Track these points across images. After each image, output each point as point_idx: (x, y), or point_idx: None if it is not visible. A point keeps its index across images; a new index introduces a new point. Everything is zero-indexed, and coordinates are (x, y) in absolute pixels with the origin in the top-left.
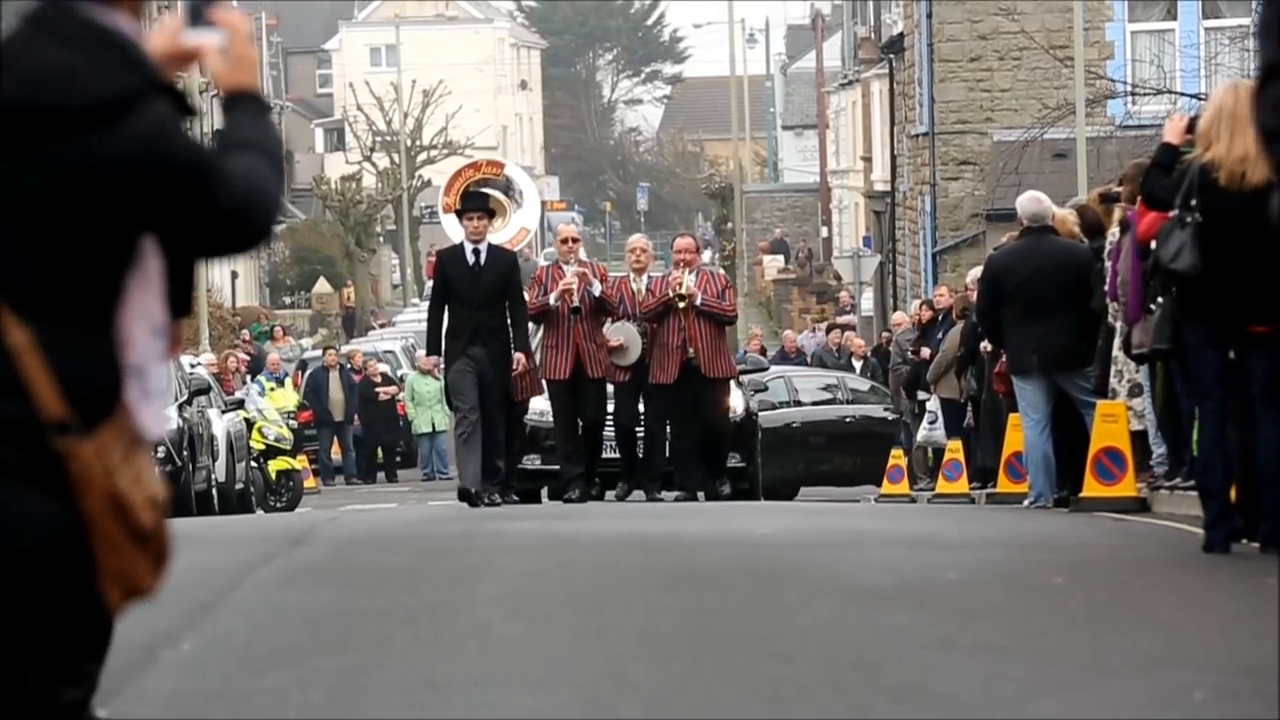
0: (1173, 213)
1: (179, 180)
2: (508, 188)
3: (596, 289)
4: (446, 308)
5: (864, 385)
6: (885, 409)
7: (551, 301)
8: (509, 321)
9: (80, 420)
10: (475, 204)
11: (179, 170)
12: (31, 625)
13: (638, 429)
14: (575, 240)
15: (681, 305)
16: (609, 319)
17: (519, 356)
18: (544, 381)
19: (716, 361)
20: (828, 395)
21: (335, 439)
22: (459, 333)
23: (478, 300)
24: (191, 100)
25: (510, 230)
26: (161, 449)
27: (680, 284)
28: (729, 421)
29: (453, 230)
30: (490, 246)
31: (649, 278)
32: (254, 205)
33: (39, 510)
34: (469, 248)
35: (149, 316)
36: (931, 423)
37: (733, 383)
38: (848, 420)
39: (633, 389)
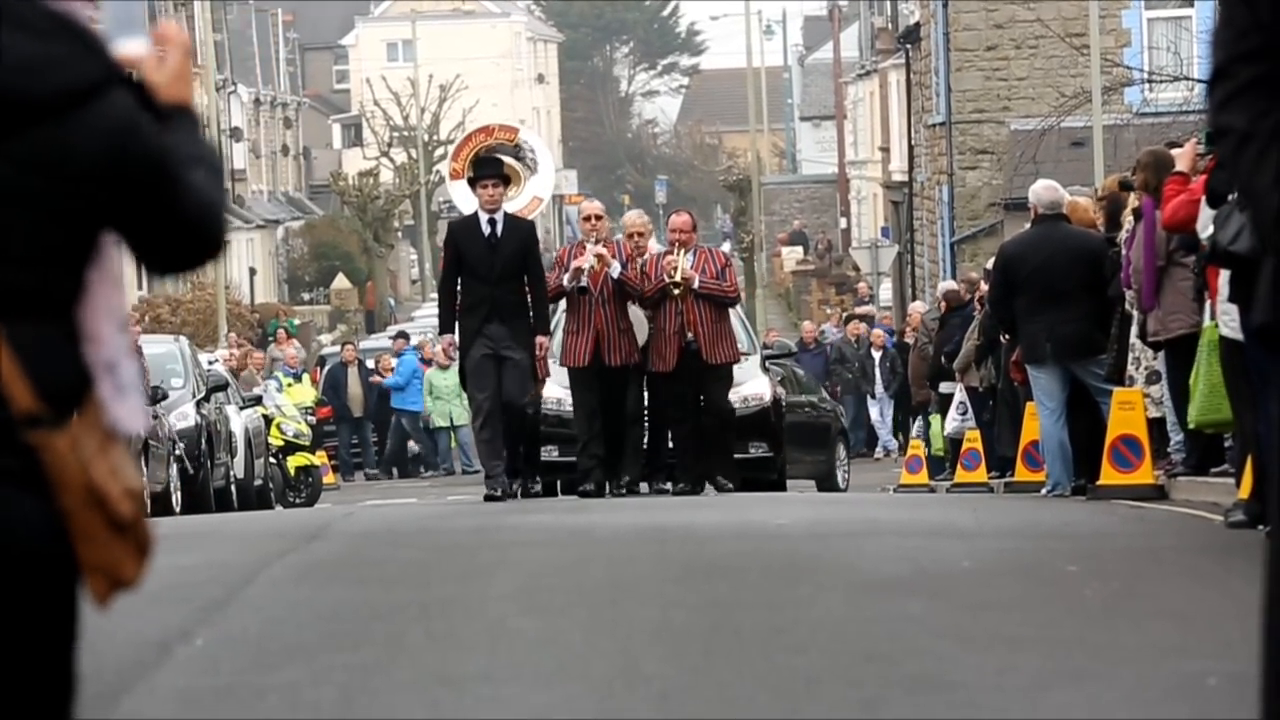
0: (1231, 197)
1: (145, 174)
2: (518, 153)
3: (616, 270)
4: (460, 284)
5: (800, 374)
6: (821, 400)
7: (565, 283)
8: (529, 298)
9: (52, 416)
10: (489, 170)
11: (146, 163)
12: (26, 630)
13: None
14: (599, 218)
15: (677, 292)
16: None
17: (540, 340)
18: (555, 367)
19: (719, 346)
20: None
21: (355, 435)
22: (475, 311)
23: (496, 275)
24: (152, 95)
25: (523, 199)
26: (180, 446)
27: (674, 268)
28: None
29: (461, 199)
30: (506, 216)
31: (645, 258)
32: (209, 215)
33: (18, 510)
34: (484, 218)
35: (114, 311)
36: (962, 414)
37: (758, 369)
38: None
39: (637, 376)
